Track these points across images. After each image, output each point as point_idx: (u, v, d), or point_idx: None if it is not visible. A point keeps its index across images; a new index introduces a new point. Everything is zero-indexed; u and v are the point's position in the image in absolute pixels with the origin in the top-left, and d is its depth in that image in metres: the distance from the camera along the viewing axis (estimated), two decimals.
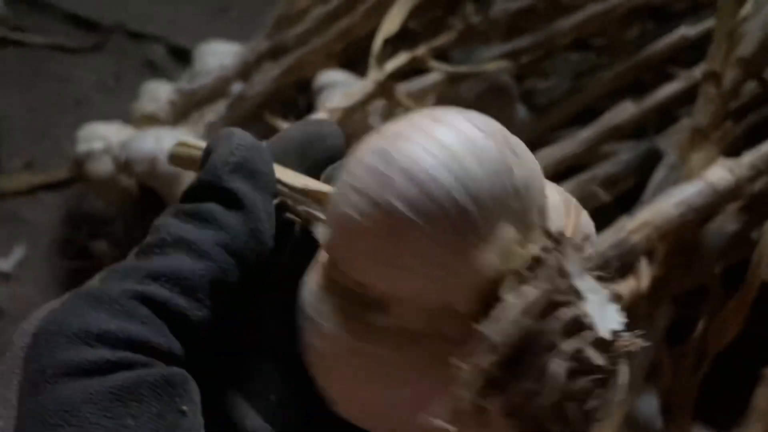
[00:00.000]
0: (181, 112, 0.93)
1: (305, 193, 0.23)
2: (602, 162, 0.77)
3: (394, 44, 0.75)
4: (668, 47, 0.82)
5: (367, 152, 0.19)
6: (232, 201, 0.23)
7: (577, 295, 0.17)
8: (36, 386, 0.19)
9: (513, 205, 0.18)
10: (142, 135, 0.84)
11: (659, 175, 0.71)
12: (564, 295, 0.17)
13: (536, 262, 0.18)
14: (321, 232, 0.22)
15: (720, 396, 0.67)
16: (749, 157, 0.62)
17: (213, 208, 0.23)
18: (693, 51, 0.83)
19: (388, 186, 0.18)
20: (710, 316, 0.64)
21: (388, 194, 0.18)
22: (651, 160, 0.76)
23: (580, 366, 0.17)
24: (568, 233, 0.20)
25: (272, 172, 0.24)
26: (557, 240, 0.18)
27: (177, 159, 0.28)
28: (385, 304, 0.19)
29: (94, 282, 0.22)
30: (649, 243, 0.60)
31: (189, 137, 0.29)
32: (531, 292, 0.17)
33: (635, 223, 0.59)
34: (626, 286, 0.64)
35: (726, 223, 0.66)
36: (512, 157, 0.19)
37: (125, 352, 0.19)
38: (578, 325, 0.17)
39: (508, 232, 0.18)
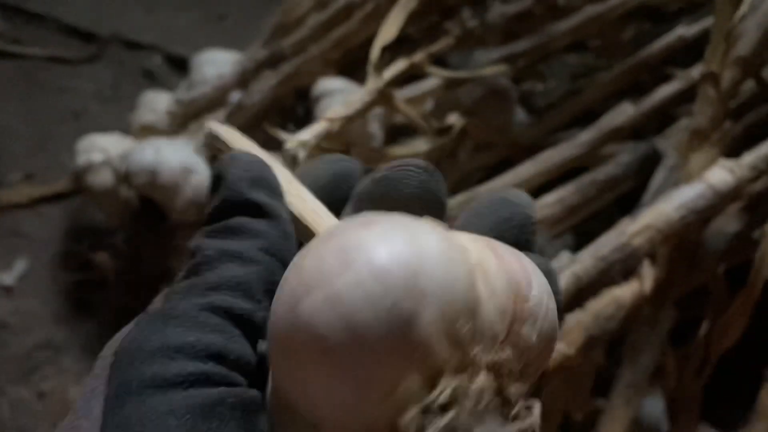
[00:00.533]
0: (180, 122, 0.93)
1: (299, 220, 0.25)
2: (602, 164, 0.77)
3: (392, 51, 0.75)
4: (666, 48, 0.82)
5: (300, 279, 0.20)
6: (257, 211, 0.24)
7: None
8: (121, 399, 0.19)
9: (416, 353, 0.18)
10: (142, 147, 0.84)
11: (659, 176, 0.71)
12: None
13: (436, 409, 0.18)
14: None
15: (725, 396, 0.67)
16: (750, 158, 0.62)
17: (242, 220, 0.24)
18: (691, 50, 0.83)
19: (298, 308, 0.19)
20: (714, 318, 0.64)
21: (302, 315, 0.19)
22: (651, 162, 0.76)
23: None
24: (507, 319, 0.20)
25: (277, 180, 0.25)
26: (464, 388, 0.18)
27: (214, 146, 0.29)
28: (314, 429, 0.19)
29: (157, 305, 0.22)
30: (651, 246, 0.60)
31: (219, 126, 0.29)
32: None
33: (636, 227, 0.59)
34: (629, 289, 0.64)
35: (728, 223, 0.65)
36: (410, 305, 0.18)
37: (206, 364, 0.20)
38: None
39: (412, 380, 0.18)
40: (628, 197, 0.76)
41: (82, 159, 0.90)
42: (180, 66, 1.12)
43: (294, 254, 0.22)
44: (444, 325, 0.18)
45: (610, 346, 0.66)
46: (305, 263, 0.19)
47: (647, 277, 0.64)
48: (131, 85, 1.11)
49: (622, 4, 0.80)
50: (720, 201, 0.61)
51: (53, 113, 1.10)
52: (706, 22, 0.82)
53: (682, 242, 0.63)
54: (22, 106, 1.10)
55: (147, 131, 0.93)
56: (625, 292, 0.64)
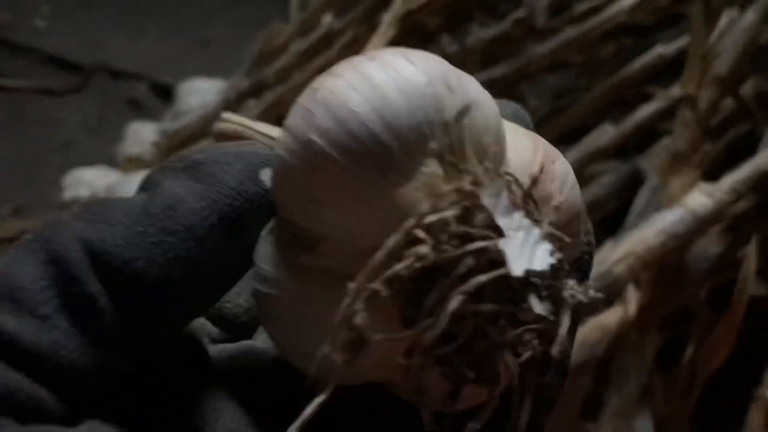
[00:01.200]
0: (166, 153, 0.94)
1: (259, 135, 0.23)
2: (586, 185, 0.77)
3: None
4: (645, 67, 0.82)
5: (304, 92, 0.19)
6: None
7: (497, 231, 0.16)
8: None
9: (441, 140, 0.17)
10: (126, 181, 0.84)
11: (642, 198, 0.72)
12: (479, 230, 0.16)
13: (458, 197, 0.17)
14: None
15: (714, 417, 0.68)
16: (728, 181, 0.62)
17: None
18: (672, 66, 0.84)
19: (310, 122, 0.18)
20: (699, 340, 0.64)
21: (310, 130, 0.17)
22: (633, 182, 0.76)
23: (495, 308, 0.16)
24: (525, 174, 0.18)
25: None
26: (487, 173, 0.17)
27: (223, 136, 0.27)
28: (315, 245, 0.18)
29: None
30: (633, 272, 0.60)
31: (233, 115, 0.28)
32: (437, 223, 0.16)
33: (618, 254, 0.59)
34: (614, 314, 0.64)
35: (710, 245, 0.66)
36: (442, 89, 0.18)
37: None
38: (494, 264, 0.16)
39: (431, 167, 0.17)
40: (612, 216, 0.77)
41: (68, 194, 0.90)
42: (165, 93, 1.12)
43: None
44: (476, 133, 0.18)
45: (598, 371, 0.66)
46: (334, 67, 0.18)
47: (631, 301, 0.64)
48: (117, 115, 1.11)
49: (602, 25, 0.81)
50: (700, 225, 0.61)
51: (41, 146, 1.10)
52: (685, 39, 0.82)
53: (665, 267, 0.63)
54: (9, 140, 1.10)
55: (133, 163, 0.94)
56: (609, 318, 0.64)
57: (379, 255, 0.16)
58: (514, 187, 0.17)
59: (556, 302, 0.16)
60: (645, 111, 0.79)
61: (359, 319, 0.16)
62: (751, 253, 0.63)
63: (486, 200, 0.16)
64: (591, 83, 0.85)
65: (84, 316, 0.17)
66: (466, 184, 0.17)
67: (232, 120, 0.26)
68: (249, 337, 0.22)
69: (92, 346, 0.17)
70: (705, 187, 0.62)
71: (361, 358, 0.16)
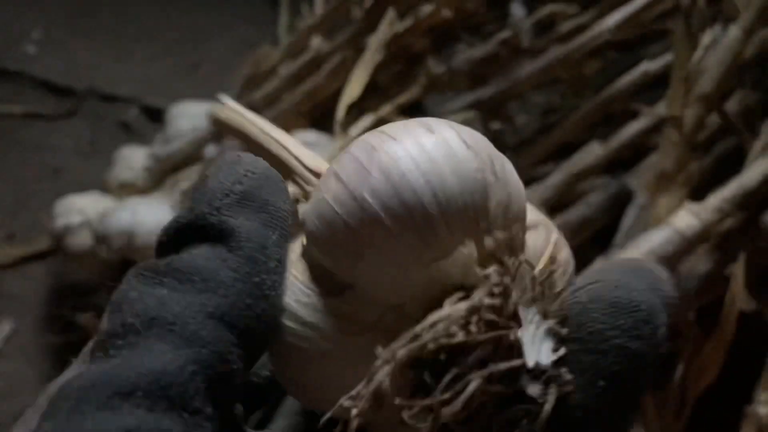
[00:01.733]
0: (157, 178, 0.94)
1: (304, 166, 0.23)
2: (575, 203, 0.78)
3: (361, 99, 0.76)
4: (631, 83, 0.83)
5: (356, 145, 0.20)
6: (227, 241, 0.17)
7: (517, 320, 0.18)
8: None
9: (481, 223, 0.19)
10: (118, 209, 0.84)
11: (630, 216, 0.72)
12: (504, 319, 0.18)
13: (490, 285, 0.18)
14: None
15: None
16: (714, 200, 0.63)
17: (197, 256, 0.17)
18: (659, 81, 0.84)
19: (364, 180, 0.19)
20: (689, 359, 0.64)
21: (363, 188, 0.18)
22: (622, 200, 0.76)
23: (502, 389, 0.18)
24: (540, 264, 0.20)
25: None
26: (517, 266, 0.19)
27: (219, 122, 0.27)
28: (341, 291, 0.19)
29: (42, 402, 0.16)
30: None
31: (232, 102, 0.28)
32: (464, 305, 0.18)
33: None
34: None
35: (697, 264, 0.66)
36: (490, 176, 0.19)
37: None
38: (508, 350, 0.18)
39: (469, 247, 0.18)
40: (601, 234, 0.77)
41: (60, 221, 0.90)
42: (156, 117, 1.12)
43: (267, 318, 0.18)
44: (509, 222, 0.19)
45: None
46: (387, 127, 0.20)
47: None
48: (109, 139, 1.11)
49: (587, 43, 0.81)
50: (687, 245, 0.61)
51: (33, 171, 1.10)
52: (671, 54, 0.83)
53: None
54: (0, 165, 1.10)
55: (125, 189, 0.94)
56: None
57: (419, 328, 0.18)
58: (532, 277, 0.19)
59: (546, 387, 0.18)
60: (632, 128, 0.80)
61: (385, 383, 0.17)
62: (738, 270, 0.64)
63: (514, 293, 0.18)
64: (578, 101, 0.86)
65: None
66: (500, 276, 0.18)
67: (229, 107, 0.27)
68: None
69: None
70: (692, 206, 0.62)
71: (376, 414, 0.18)
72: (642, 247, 0.61)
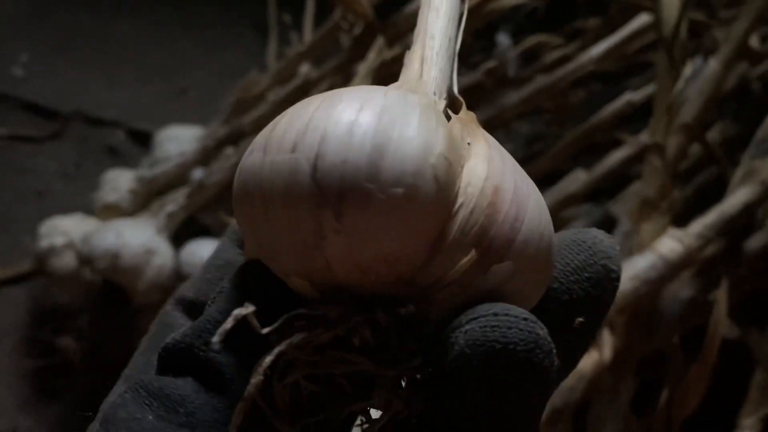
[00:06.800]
0: (143, 201, 0.94)
1: None
2: (559, 230, 0.78)
3: None
4: (615, 113, 0.84)
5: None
6: (214, 381, 0.18)
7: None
8: None
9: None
10: (103, 231, 0.84)
11: None
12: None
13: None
14: None
15: None
16: (697, 227, 0.64)
17: (187, 389, 0.18)
18: (642, 109, 0.86)
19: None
20: (673, 384, 0.65)
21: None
22: (606, 226, 0.77)
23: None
24: (475, 213, 0.18)
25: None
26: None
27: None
28: None
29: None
30: (607, 318, 0.61)
31: None
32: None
33: None
34: (589, 359, 0.65)
35: (681, 289, 0.67)
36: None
37: None
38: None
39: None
40: None
41: (44, 243, 0.89)
42: (143, 141, 1.12)
43: None
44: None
45: (575, 416, 0.66)
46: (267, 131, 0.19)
47: (606, 346, 0.65)
48: (94, 162, 1.11)
49: (571, 74, 0.83)
50: (671, 270, 0.62)
51: (16, 193, 1.09)
52: (653, 85, 0.85)
53: (638, 311, 0.64)
54: None
55: (110, 211, 0.93)
56: (585, 363, 0.65)
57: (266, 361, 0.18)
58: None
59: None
60: (615, 156, 0.81)
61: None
62: (721, 296, 0.64)
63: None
64: (562, 130, 0.87)
65: None
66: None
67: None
68: None
69: None
70: (675, 232, 0.63)
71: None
72: (627, 272, 0.61)
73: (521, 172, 0.20)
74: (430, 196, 0.17)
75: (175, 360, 0.18)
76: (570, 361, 0.20)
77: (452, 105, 0.22)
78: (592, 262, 0.20)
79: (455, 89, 0.23)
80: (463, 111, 0.21)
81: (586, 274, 0.19)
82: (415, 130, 0.18)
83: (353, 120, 0.18)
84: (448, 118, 0.20)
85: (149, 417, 0.17)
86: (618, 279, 0.20)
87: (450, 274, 0.18)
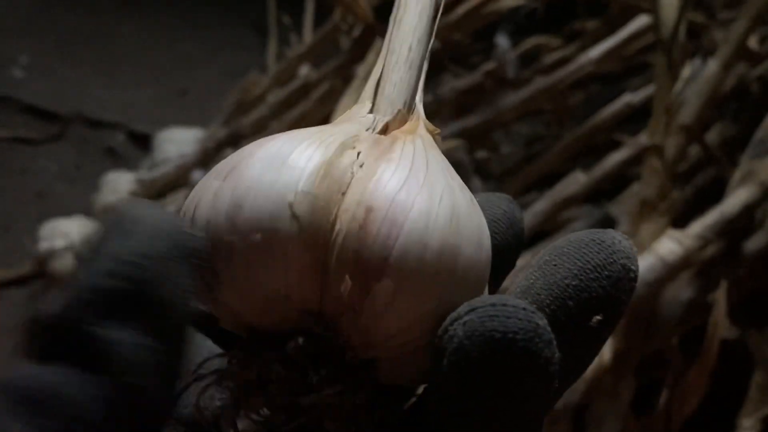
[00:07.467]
0: None
1: None
2: (558, 231, 0.78)
3: None
4: (614, 115, 0.84)
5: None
6: (96, 360, 0.14)
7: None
8: None
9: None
10: None
11: None
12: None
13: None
14: None
15: None
16: (696, 228, 0.64)
17: (60, 381, 0.14)
18: (642, 111, 0.86)
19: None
20: (673, 385, 0.65)
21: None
22: (605, 228, 0.77)
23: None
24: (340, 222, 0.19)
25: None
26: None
27: None
28: None
29: None
30: None
31: None
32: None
33: None
34: None
35: (680, 291, 0.67)
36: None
37: None
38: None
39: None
40: None
41: (44, 245, 0.90)
42: (143, 142, 1.13)
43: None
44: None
45: (575, 418, 0.66)
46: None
47: (606, 346, 0.65)
48: (95, 164, 1.11)
49: (571, 75, 0.83)
50: (670, 272, 0.62)
51: (16, 195, 1.09)
52: (652, 87, 0.85)
53: (637, 312, 0.64)
54: None
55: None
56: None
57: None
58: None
59: None
60: (615, 158, 0.81)
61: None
62: (720, 297, 0.65)
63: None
64: (561, 131, 0.87)
65: None
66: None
67: None
68: None
69: None
70: (674, 233, 0.63)
71: None
72: None
73: (437, 184, 0.19)
74: (291, 233, 0.18)
75: (48, 347, 0.14)
76: (585, 359, 0.20)
77: (407, 116, 0.22)
78: (612, 261, 0.20)
79: (418, 98, 0.22)
80: (414, 122, 0.21)
81: (606, 273, 0.19)
82: (276, 175, 0.18)
83: (218, 185, 0.19)
84: (385, 131, 0.20)
85: (18, 425, 0.13)
86: (636, 279, 0.20)
87: (342, 302, 0.18)
